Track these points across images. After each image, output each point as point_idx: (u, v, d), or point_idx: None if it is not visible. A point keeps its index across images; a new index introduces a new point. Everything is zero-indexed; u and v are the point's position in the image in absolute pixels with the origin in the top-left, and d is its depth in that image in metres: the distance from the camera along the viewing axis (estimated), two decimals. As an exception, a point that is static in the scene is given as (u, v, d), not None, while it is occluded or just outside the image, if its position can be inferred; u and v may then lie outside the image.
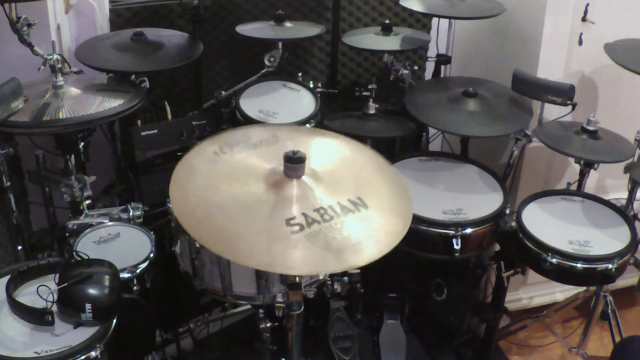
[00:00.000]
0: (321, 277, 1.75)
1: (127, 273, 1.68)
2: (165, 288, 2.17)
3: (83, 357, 1.38)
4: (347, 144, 1.61)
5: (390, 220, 1.37)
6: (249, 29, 2.24)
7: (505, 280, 2.17)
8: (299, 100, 2.26)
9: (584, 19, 2.23)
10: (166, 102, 2.19)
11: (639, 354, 2.16)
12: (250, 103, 2.19)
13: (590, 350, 2.41)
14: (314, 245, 1.26)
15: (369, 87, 2.38)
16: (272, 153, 1.47)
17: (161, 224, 2.04)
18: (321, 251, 1.26)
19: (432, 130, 2.60)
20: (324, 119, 2.26)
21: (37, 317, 1.42)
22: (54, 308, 1.42)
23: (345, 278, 1.79)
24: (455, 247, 1.95)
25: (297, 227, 1.28)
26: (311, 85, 2.31)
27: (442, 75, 2.53)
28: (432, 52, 2.57)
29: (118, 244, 1.80)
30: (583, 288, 2.46)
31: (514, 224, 2.00)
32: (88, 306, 1.41)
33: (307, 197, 1.36)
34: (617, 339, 2.33)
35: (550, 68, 2.27)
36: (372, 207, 1.38)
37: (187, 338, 2.35)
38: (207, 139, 1.52)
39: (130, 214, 1.89)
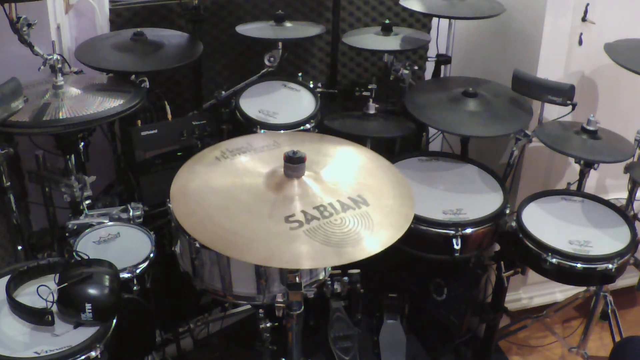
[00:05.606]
0: (321, 277, 1.75)
1: (127, 273, 1.68)
2: (165, 288, 2.17)
3: (83, 357, 1.38)
4: (348, 145, 1.61)
5: (391, 215, 1.37)
6: (249, 29, 2.24)
7: (505, 280, 2.17)
8: (299, 100, 2.26)
9: (584, 19, 2.23)
10: (166, 102, 2.19)
11: (639, 354, 2.16)
12: (250, 103, 2.19)
13: (590, 350, 2.41)
14: (313, 239, 1.26)
15: (369, 87, 2.38)
16: (272, 157, 1.49)
17: (161, 224, 2.04)
18: (320, 245, 1.26)
19: (432, 130, 2.60)
20: (324, 119, 2.26)
21: (37, 317, 1.42)
22: (54, 308, 1.42)
23: (345, 278, 1.78)
24: (455, 247, 1.95)
25: (296, 224, 1.29)
26: (311, 85, 2.31)
27: (442, 75, 2.53)
28: (432, 52, 2.56)
29: (118, 244, 1.80)
30: (583, 288, 2.46)
31: (514, 224, 2.00)
32: (88, 306, 1.41)
33: (307, 196, 1.36)
34: (617, 339, 2.33)
35: (550, 68, 2.27)
36: (373, 204, 1.38)
37: (187, 338, 2.35)
38: (209, 147, 1.53)
39: (130, 214, 1.89)
